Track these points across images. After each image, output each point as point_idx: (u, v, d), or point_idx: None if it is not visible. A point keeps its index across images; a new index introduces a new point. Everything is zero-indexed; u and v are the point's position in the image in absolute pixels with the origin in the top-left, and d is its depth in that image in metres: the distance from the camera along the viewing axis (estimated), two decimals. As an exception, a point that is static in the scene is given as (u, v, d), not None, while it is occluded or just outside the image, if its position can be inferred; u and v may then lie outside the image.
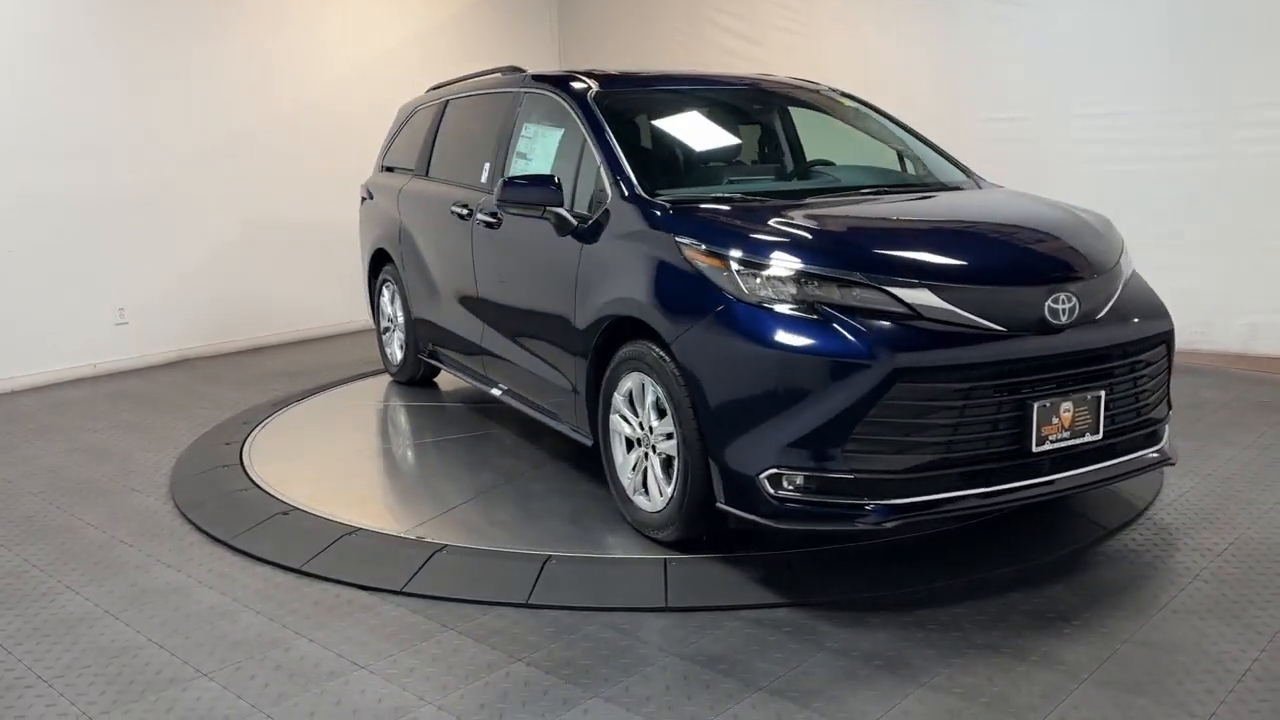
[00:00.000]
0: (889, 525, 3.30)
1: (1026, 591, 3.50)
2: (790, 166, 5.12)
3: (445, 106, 5.92)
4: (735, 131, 5.08)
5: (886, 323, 3.31)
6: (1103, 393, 3.52)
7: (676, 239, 3.70)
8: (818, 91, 5.28)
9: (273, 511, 4.26)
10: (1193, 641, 3.15)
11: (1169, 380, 3.93)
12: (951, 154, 4.94)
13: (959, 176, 4.76)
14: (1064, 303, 3.47)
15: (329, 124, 8.26)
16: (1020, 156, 7.40)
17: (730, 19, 8.92)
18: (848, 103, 5.18)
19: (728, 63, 8.66)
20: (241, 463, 4.92)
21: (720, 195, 4.18)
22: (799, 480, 3.32)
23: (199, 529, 4.19)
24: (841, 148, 5.15)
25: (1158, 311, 3.84)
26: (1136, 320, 3.71)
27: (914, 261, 3.53)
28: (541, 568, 3.68)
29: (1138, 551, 3.83)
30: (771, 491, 3.36)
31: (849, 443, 3.25)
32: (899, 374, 3.22)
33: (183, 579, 3.74)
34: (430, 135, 5.98)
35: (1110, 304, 3.65)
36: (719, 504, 3.52)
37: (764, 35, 8.66)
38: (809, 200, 4.19)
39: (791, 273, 3.40)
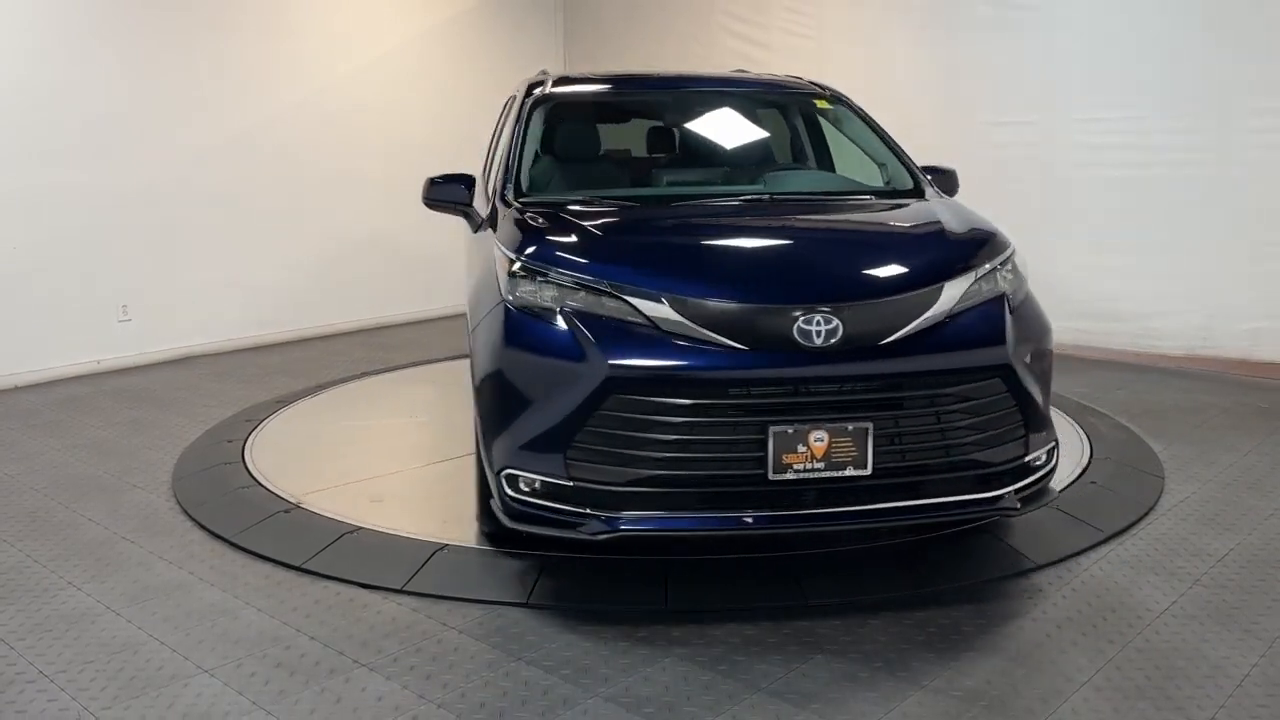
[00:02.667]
0: (601, 538, 3.24)
1: (1026, 595, 3.51)
2: (700, 171, 4.88)
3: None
4: (669, 136, 5.08)
5: (618, 332, 3.25)
6: (869, 425, 3.19)
7: (496, 240, 3.78)
8: (798, 92, 5.10)
9: (274, 509, 4.27)
10: (1192, 646, 3.16)
11: (1030, 421, 3.43)
12: (911, 161, 4.62)
13: (906, 184, 4.48)
14: (819, 324, 3.20)
15: (334, 122, 8.27)
16: (1023, 161, 7.42)
17: (739, 23, 8.92)
18: (824, 104, 5.02)
19: (735, 65, 8.67)
20: (244, 460, 4.93)
21: (578, 200, 4.15)
22: (533, 483, 3.32)
23: (201, 526, 4.20)
24: (795, 151, 5.07)
25: (988, 343, 3.37)
26: (946, 350, 3.32)
27: (660, 274, 3.40)
28: (542, 568, 3.68)
29: (1138, 556, 3.83)
30: (509, 491, 3.38)
31: (571, 450, 3.22)
32: (613, 384, 3.16)
33: (184, 576, 3.74)
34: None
35: (906, 330, 3.28)
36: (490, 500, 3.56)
37: (772, 39, 8.66)
38: (659, 208, 4.19)
39: (550, 278, 3.43)
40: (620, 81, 5.28)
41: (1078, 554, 3.84)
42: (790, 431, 3.17)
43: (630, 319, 3.28)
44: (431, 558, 3.79)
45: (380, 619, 3.38)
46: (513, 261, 3.54)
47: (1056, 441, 3.65)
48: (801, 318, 3.22)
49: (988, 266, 3.57)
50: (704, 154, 5.03)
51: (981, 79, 7.58)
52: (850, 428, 3.20)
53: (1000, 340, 3.38)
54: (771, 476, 3.18)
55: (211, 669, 3.08)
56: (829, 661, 3.08)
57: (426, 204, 4.58)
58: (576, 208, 4.03)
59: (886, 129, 4.84)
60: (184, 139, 7.40)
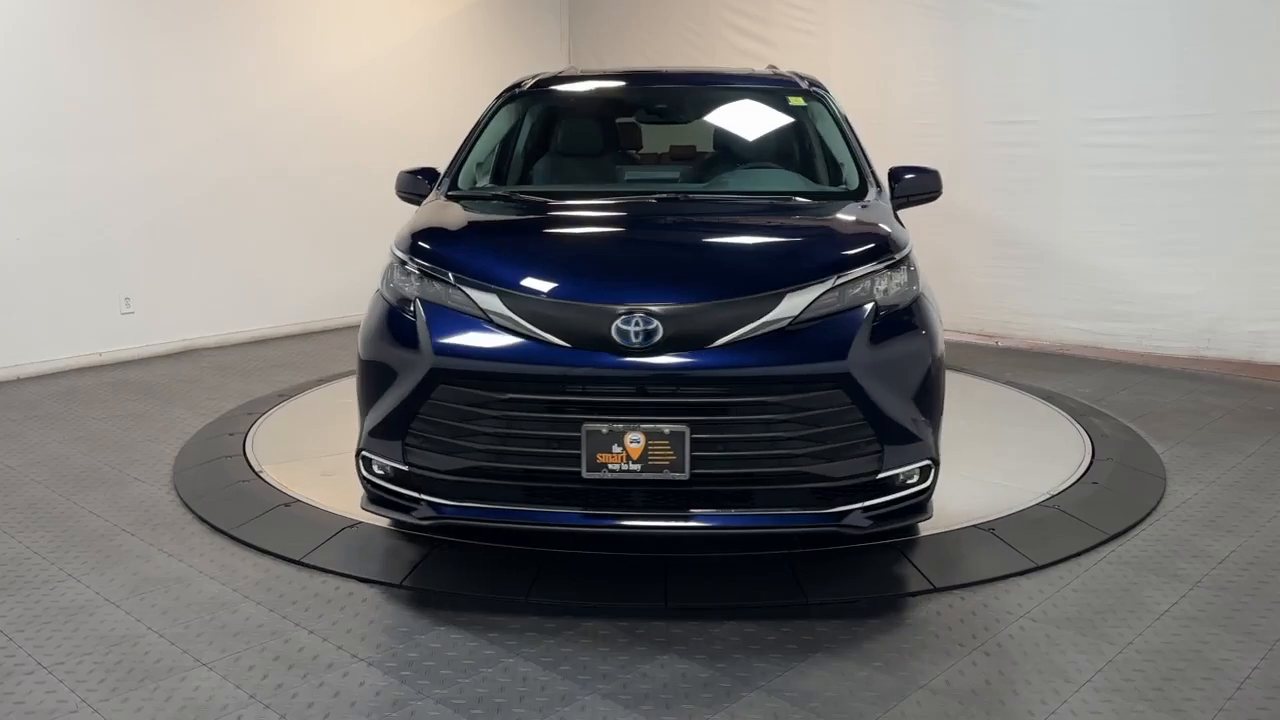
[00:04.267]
0: (426, 523, 3.39)
1: (1026, 595, 3.50)
2: (653, 169, 4.92)
3: None
4: (634, 132, 5.10)
5: (453, 325, 3.35)
6: (686, 429, 3.15)
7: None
8: (775, 88, 4.97)
9: (275, 503, 4.27)
10: (1193, 648, 3.15)
11: (886, 436, 3.29)
12: (865, 162, 4.48)
13: (853, 185, 4.35)
14: (638, 325, 3.18)
15: (338, 116, 8.27)
16: (1028, 160, 7.40)
17: (742, 18, 8.91)
18: (797, 101, 4.90)
19: (739, 62, 8.66)
20: (244, 454, 4.93)
21: (498, 196, 4.38)
22: (383, 467, 3.46)
23: (201, 519, 4.20)
24: (773, 148, 4.96)
25: (828, 353, 3.24)
26: (778, 358, 3.22)
27: (497, 269, 3.46)
28: (541, 566, 3.68)
29: (1139, 557, 3.82)
30: (364, 473, 3.55)
31: (408, 437, 3.34)
32: (439, 375, 3.27)
33: (184, 569, 3.74)
34: None
35: (734, 335, 3.22)
36: None
37: (776, 35, 8.65)
38: (564, 205, 4.24)
39: (410, 266, 3.58)
40: (598, 79, 5.27)
41: (1078, 554, 3.83)
42: (605, 431, 3.17)
43: (469, 312, 3.37)
44: (431, 552, 3.78)
45: (380, 613, 3.38)
46: (392, 250, 3.74)
47: (934, 461, 3.44)
48: (621, 318, 3.21)
49: (856, 274, 3.40)
50: (664, 151, 5.04)
51: (987, 77, 7.56)
52: (667, 430, 3.16)
53: (842, 351, 3.23)
54: (585, 475, 3.20)
55: (210, 662, 3.07)
56: (828, 660, 3.07)
57: (398, 195, 4.68)
58: (478, 203, 4.22)
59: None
60: (188, 131, 7.40)
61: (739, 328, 3.23)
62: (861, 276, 3.42)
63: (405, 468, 3.38)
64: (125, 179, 7.09)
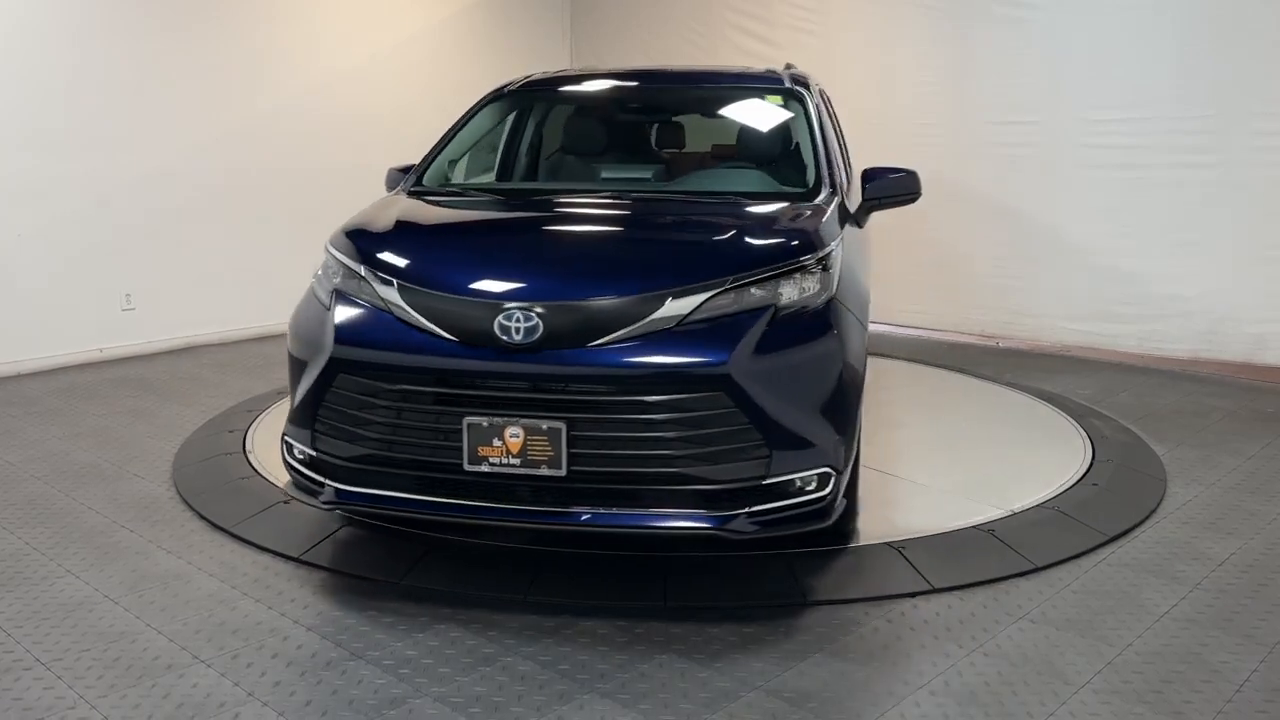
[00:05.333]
0: (326, 507, 3.50)
1: (1026, 597, 3.50)
2: (625, 168, 4.90)
3: None
4: (616, 132, 5.10)
5: (357, 317, 3.45)
6: (563, 426, 3.16)
7: None
8: (758, 86, 4.94)
9: (274, 500, 4.27)
10: (1192, 650, 3.14)
11: (775, 441, 3.20)
12: (826, 163, 4.33)
13: (807, 188, 4.24)
14: (519, 321, 3.21)
15: (340, 113, 8.26)
16: (1029, 160, 7.40)
17: (745, 18, 8.91)
18: (774, 99, 4.87)
19: (741, 61, 8.66)
20: (244, 451, 4.93)
21: (450, 192, 4.47)
22: (301, 452, 3.55)
23: (200, 516, 4.19)
24: (756, 146, 4.89)
25: (711, 354, 3.18)
26: (658, 358, 3.17)
27: (398, 262, 3.54)
28: (539, 565, 3.68)
29: (1138, 559, 3.82)
30: (285, 458, 3.64)
31: (316, 424, 3.44)
32: (337, 365, 3.37)
33: (183, 565, 3.74)
34: None
35: (617, 335, 3.20)
36: None
37: (778, 35, 8.65)
38: (510, 202, 4.41)
39: (333, 260, 3.71)
40: (586, 79, 5.32)
41: (1078, 556, 3.82)
42: (485, 425, 3.21)
43: (374, 304, 3.47)
44: (431, 551, 3.79)
45: (378, 611, 3.37)
46: (327, 243, 3.86)
47: (835, 469, 3.33)
48: (503, 314, 3.24)
49: (755, 276, 3.34)
50: (639, 150, 5.04)
51: (987, 77, 7.56)
52: (544, 426, 3.18)
53: (724, 353, 3.17)
54: (467, 467, 3.25)
55: (208, 659, 3.07)
56: (827, 660, 3.07)
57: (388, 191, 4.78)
58: (428, 199, 4.33)
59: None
60: (189, 128, 7.40)
61: (621, 327, 3.22)
62: (763, 279, 3.35)
63: (314, 453, 3.49)
64: (126, 176, 7.09)
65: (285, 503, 4.23)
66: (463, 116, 4.93)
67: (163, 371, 6.76)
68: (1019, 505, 4.24)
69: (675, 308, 3.25)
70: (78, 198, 6.87)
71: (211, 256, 7.61)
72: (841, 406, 3.40)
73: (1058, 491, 4.42)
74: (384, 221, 3.90)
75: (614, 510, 3.24)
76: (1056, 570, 3.71)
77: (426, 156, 4.74)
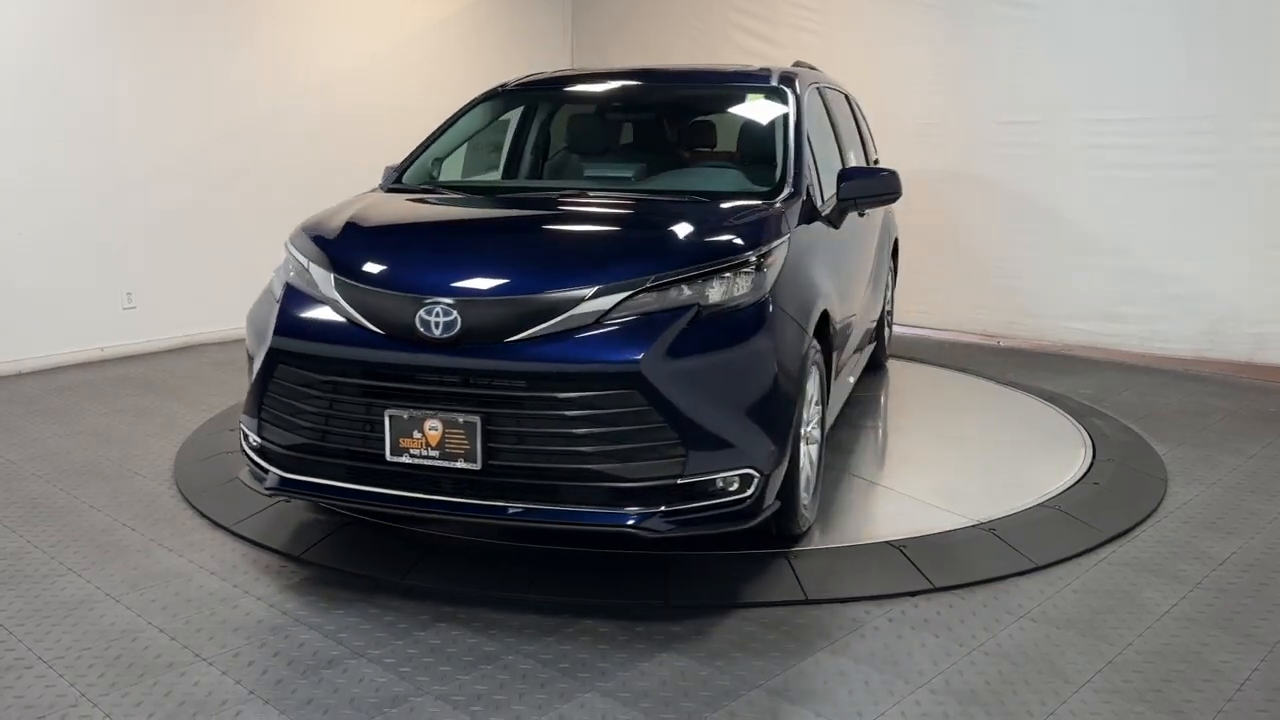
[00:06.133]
0: (269, 493, 3.59)
1: (1026, 596, 3.50)
2: (603, 165, 4.90)
3: None
4: (598, 131, 5.13)
5: (298, 309, 3.57)
6: (478, 420, 3.20)
7: None
8: (746, 85, 4.91)
9: (275, 499, 4.26)
10: (1193, 650, 3.14)
11: (692, 440, 3.18)
12: (794, 162, 4.21)
13: (765, 189, 4.14)
14: (438, 316, 3.26)
15: (341, 111, 8.26)
16: (1030, 160, 7.40)
17: (747, 18, 8.91)
18: (755, 99, 4.83)
19: (743, 60, 8.66)
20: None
21: (421, 190, 4.52)
22: (252, 439, 3.65)
23: (201, 514, 4.20)
24: (740, 144, 4.89)
25: (624, 353, 3.17)
26: (572, 356, 3.19)
27: (338, 256, 3.64)
28: (541, 563, 3.68)
29: (1139, 558, 3.82)
30: (241, 444, 3.76)
31: (262, 412, 3.55)
32: (276, 355, 3.49)
33: (184, 564, 3.75)
34: None
35: (533, 331, 3.22)
36: None
37: (780, 34, 8.65)
38: (472, 199, 4.50)
39: (288, 254, 3.84)
40: (578, 79, 5.37)
41: (1079, 555, 3.82)
42: (406, 417, 3.28)
43: (316, 298, 3.57)
44: (432, 550, 3.79)
45: (379, 609, 3.38)
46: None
47: (759, 471, 3.33)
48: (424, 308, 3.30)
49: (679, 275, 3.33)
50: (624, 149, 5.06)
51: (990, 77, 7.56)
52: (461, 420, 3.22)
53: (637, 352, 3.16)
54: (389, 458, 3.32)
55: (209, 657, 3.08)
56: (827, 659, 3.07)
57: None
58: (397, 196, 4.41)
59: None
60: (190, 126, 7.40)
61: (538, 323, 3.24)
62: (687, 278, 3.34)
63: (260, 441, 3.60)
64: (127, 175, 7.09)
65: (286, 501, 4.23)
66: (450, 117, 5.02)
67: (164, 370, 6.77)
68: (1020, 504, 4.24)
69: (593, 305, 3.26)
70: (79, 197, 6.87)
71: (212, 256, 7.61)
72: (769, 408, 3.39)
73: (1059, 490, 4.42)
74: (338, 218, 3.98)
75: (532, 505, 3.26)
76: (1057, 569, 3.71)
77: (410, 155, 4.84)
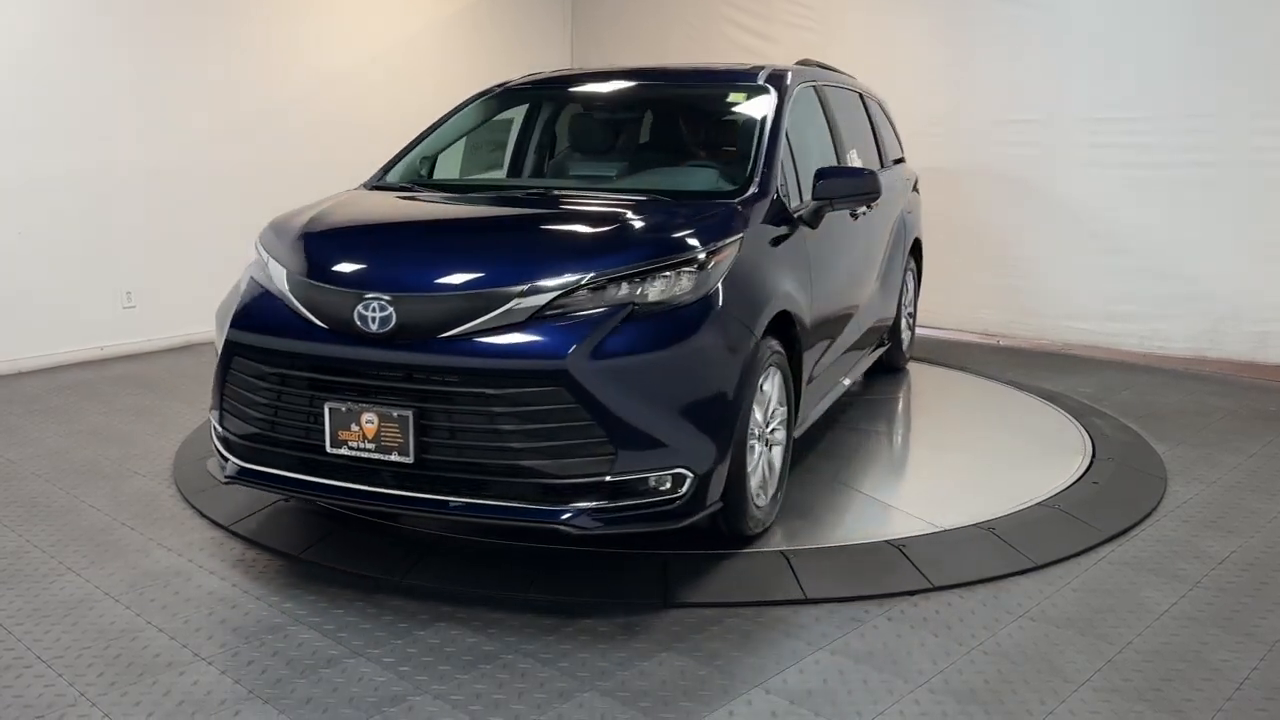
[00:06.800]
0: (226, 481, 3.69)
1: (1025, 595, 3.50)
2: (583, 164, 4.97)
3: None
4: (589, 128, 5.17)
5: (254, 302, 3.69)
6: (410, 413, 3.24)
7: None
8: (730, 84, 4.91)
9: (274, 498, 4.26)
10: (1192, 649, 3.14)
11: (620, 439, 3.19)
12: (765, 163, 4.16)
13: (732, 189, 4.11)
14: (375, 311, 3.32)
15: (341, 110, 8.26)
16: (1030, 159, 7.40)
17: (744, 15, 8.91)
18: (737, 98, 4.82)
19: (739, 58, 8.65)
20: (245, 449, 4.93)
21: (397, 187, 4.62)
22: (216, 429, 3.76)
23: (201, 514, 4.20)
24: (723, 144, 4.86)
25: (551, 350, 3.19)
26: (500, 352, 3.22)
27: (291, 251, 3.74)
28: (539, 564, 3.68)
29: (1139, 557, 3.82)
30: (211, 435, 3.83)
31: (223, 402, 3.67)
32: (231, 347, 3.62)
33: (183, 563, 3.75)
34: None
35: (465, 327, 3.26)
36: None
37: (777, 32, 8.65)
38: (443, 196, 4.52)
39: (256, 249, 3.93)
40: (572, 80, 5.42)
41: (1078, 554, 3.82)
42: (344, 410, 3.35)
43: (271, 291, 3.67)
44: (431, 549, 3.79)
45: (379, 609, 3.38)
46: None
47: (692, 470, 3.32)
48: (362, 303, 3.36)
49: (614, 274, 3.34)
50: (611, 148, 5.06)
51: (990, 75, 7.55)
52: (395, 414, 3.28)
53: (565, 349, 3.18)
54: (329, 449, 3.40)
55: (209, 657, 3.08)
56: (826, 658, 3.07)
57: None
58: (374, 194, 4.53)
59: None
60: (191, 124, 7.39)
61: (471, 320, 3.28)
62: (623, 277, 3.35)
63: (222, 431, 3.70)
64: (127, 174, 7.08)
65: (285, 501, 4.23)
66: (439, 119, 5.11)
67: (163, 369, 6.77)
68: (1019, 503, 4.23)
69: (526, 302, 3.29)
70: (79, 196, 6.87)
71: (212, 255, 7.58)
72: (704, 409, 3.39)
73: (1058, 490, 4.42)
74: (302, 216, 4.06)
75: (464, 500, 3.30)
76: (1056, 568, 3.71)
77: (396, 155, 4.92)
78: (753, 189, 4.05)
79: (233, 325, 3.64)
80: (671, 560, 3.68)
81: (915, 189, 6.71)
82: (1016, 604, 3.43)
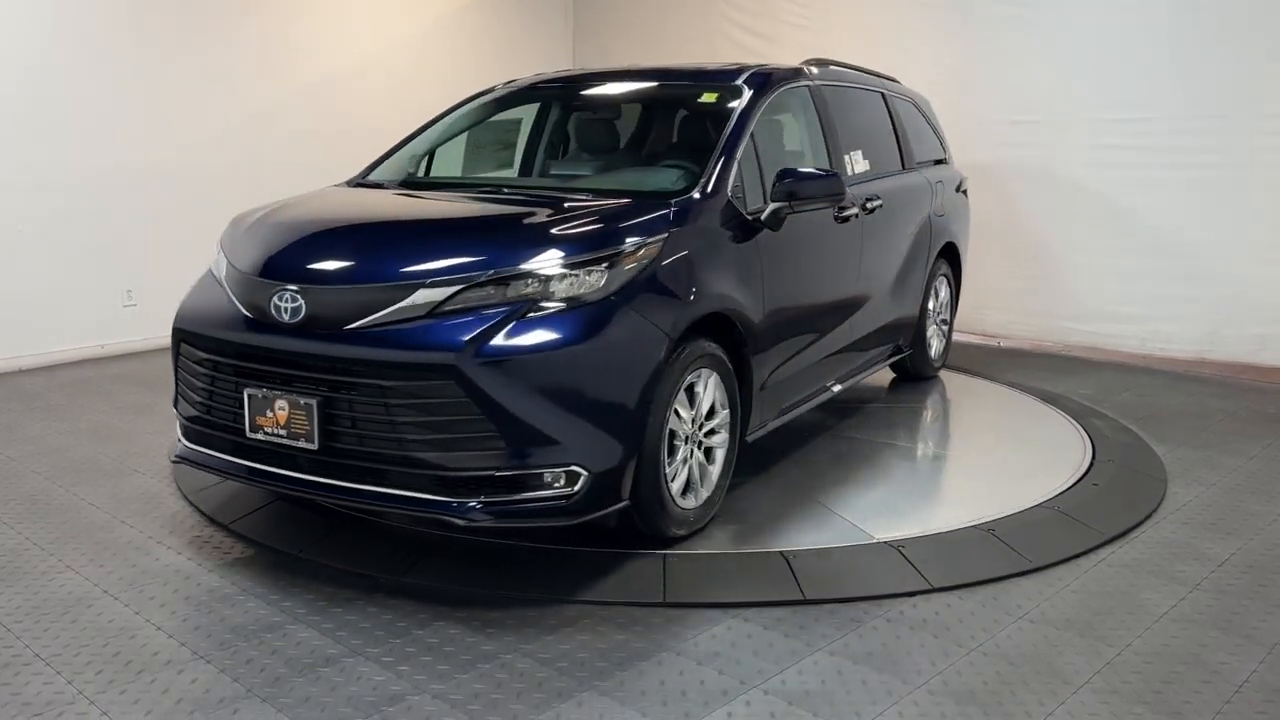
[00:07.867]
0: (175, 461, 3.91)
1: (1025, 596, 3.50)
2: (561, 163, 5.17)
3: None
4: (578, 127, 5.26)
5: (203, 292, 3.91)
6: (315, 402, 3.36)
7: None
8: (710, 84, 4.87)
9: (274, 497, 4.27)
10: (1192, 651, 3.14)
11: (511, 435, 3.25)
12: (720, 164, 4.14)
13: (679, 190, 4.07)
14: (287, 302, 3.49)
15: (342, 108, 8.26)
16: (1032, 160, 7.40)
17: (744, 15, 8.91)
18: (710, 97, 4.79)
19: (738, 58, 8.65)
20: (245, 447, 4.93)
21: (375, 184, 4.76)
22: (175, 410, 3.94)
23: (201, 512, 4.20)
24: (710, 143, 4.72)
25: (443, 345, 3.25)
26: (395, 345, 3.29)
27: (233, 243, 3.97)
28: (539, 562, 3.68)
29: (1138, 559, 3.82)
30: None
31: (178, 387, 3.88)
32: (178, 334, 3.84)
33: (183, 561, 3.75)
34: None
35: (368, 320, 3.34)
36: None
37: (777, 32, 8.65)
38: (413, 190, 4.64)
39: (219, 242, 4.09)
40: (565, 81, 5.45)
41: (1077, 556, 3.82)
42: (260, 396, 3.50)
43: (218, 282, 3.87)
44: (429, 550, 3.79)
45: (378, 608, 3.37)
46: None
47: (586, 468, 3.35)
48: (276, 294, 3.52)
49: (519, 270, 3.39)
50: (594, 146, 5.11)
51: (991, 76, 7.55)
52: (301, 402, 3.42)
53: (456, 344, 3.23)
54: (248, 434, 3.56)
55: (207, 655, 3.08)
56: (825, 659, 3.07)
57: None
58: (347, 190, 4.66)
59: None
60: (191, 125, 7.40)
61: (374, 312, 3.37)
62: (525, 274, 3.38)
63: (177, 415, 3.90)
64: (128, 172, 7.09)
65: (285, 499, 4.23)
66: (438, 115, 5.22)
67: (164, 368, 6.70)
68: (1019, 505, 4.23)
69: (426, 297, 3.37)
70: (79, 193, 6.87)
71: (213, 254, 7.60)
72: (604, 408, 3.40)
73: (1058, 491, 4.42)
74: (262, 210, 4.20)
75: (366, 487, 3.40)
76: (1056, 570, 3.71)
77: (384, 154, 5.03)
78: (701, 189, 4.02)
79: (180, 313, 3.87)
80: (670, 560, 3.68)
81: (960, 190, 6.55)
82: (1016, 605, 3.43)
